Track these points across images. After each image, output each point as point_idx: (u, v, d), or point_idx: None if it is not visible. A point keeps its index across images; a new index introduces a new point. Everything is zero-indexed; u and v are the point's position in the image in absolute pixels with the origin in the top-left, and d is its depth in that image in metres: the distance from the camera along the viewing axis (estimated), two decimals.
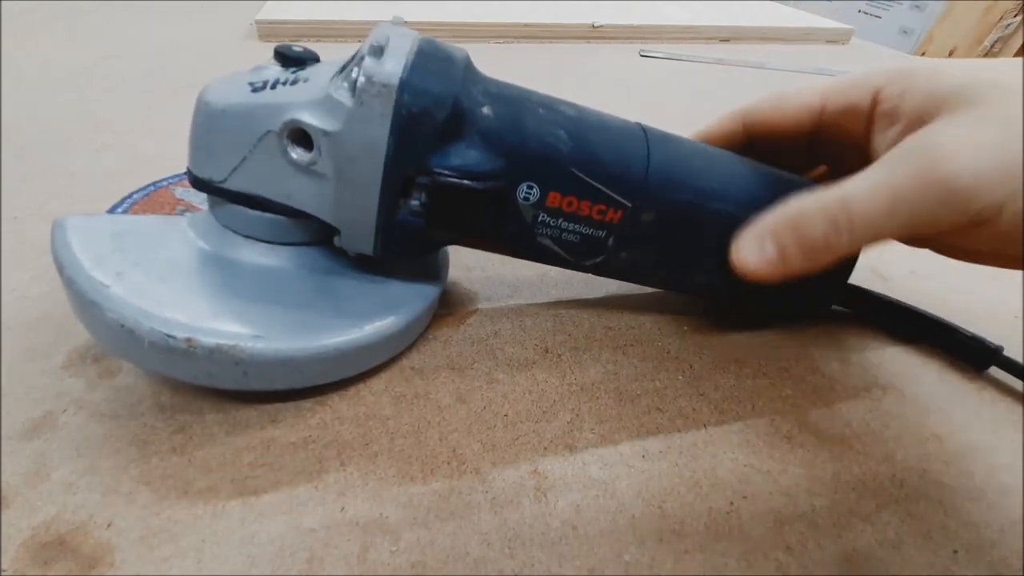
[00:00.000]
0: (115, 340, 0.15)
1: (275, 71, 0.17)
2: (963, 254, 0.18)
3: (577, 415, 0.19)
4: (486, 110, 0.17)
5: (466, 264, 0.25)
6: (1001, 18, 1.32)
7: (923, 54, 1.41)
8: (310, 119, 0.16)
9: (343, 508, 0.15)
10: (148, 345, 0.15)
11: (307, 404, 0.18)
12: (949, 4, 1.39)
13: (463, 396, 0.19)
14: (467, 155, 0.17)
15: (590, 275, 0.21)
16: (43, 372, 0.18)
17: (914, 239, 0.19)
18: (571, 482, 0.17)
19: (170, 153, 0.30)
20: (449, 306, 0.23)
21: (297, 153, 0.16)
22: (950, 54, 1.40)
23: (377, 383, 0.19)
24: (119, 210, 0.23)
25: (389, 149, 0.16)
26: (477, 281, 0.25)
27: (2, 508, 0.15)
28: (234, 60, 0.48)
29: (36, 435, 0.16)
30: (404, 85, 0.15)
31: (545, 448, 0.18)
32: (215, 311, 0.16)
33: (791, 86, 0.21)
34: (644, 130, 0.19)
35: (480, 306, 0.23)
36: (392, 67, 0.15)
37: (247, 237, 0.18)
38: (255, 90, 0.16)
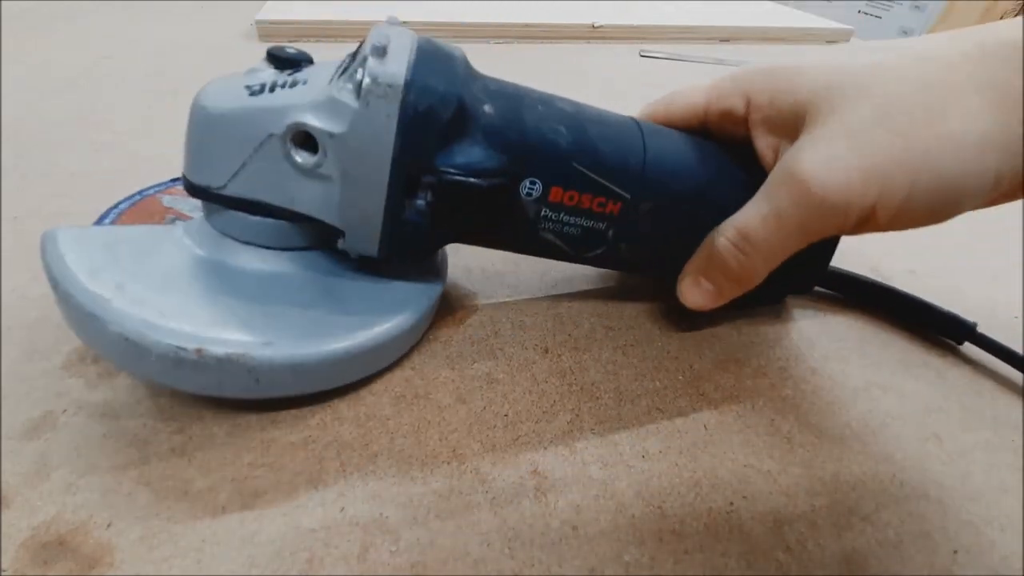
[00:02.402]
0: (120, 354, 0.15)
1: (270, 73, 0.17)
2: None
3: (577, 415, 0.19)
4: (487, 108, 0.17)
5: (466, 264, 0.25)
6: (1001, 18, 1.32)
7: None
8: (315, 121, 0.16)
9: (343, 508, 0.15)
10: (156, 358, 0.15)
11: (307, 404, 0.18)
12: (949, 4, 1.39)
13: (463, 396, 0.19)
14: (471, 153, 0.17)
15: (590, 275, 0.21)
16: (43, 372, 0.18)
17: None
18: (571, 482, 0.17)
19: (170, 154, 0.29)
20: (449, 306, 0.23)
21: (302, 156, 0.16)
22: None
23: (377, 383, 0.19)
24: (107, 221, 0.22)
25: (396, 149, 0.16)
26: (477, 281, 0.25)
27: (2, 508, 0.15)
28: (234, 60, 0.48)
29: (36, 435, 0.16)
30: (410, 85, 0.15)
31: (545, 448, 0.18)
32: (221, 319, 0.16)
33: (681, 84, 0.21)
34: (638, 124, 0.20)
35: (480, 306, 0.23)
36: (396, 67, 0.15)
37: (246, 243, 0.18)
38: (253, 94, 0.16)
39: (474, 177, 0.17)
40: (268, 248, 0.18)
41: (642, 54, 0.58)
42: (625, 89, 0.48)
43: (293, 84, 0.16)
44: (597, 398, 0.19)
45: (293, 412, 0.18)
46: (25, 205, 0.26)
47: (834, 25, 0.70)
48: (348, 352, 0.17)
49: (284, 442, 0.17)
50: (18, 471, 0.15)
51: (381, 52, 0.15)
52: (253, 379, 0.16)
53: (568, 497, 0.16)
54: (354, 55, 0.16)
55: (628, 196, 0.19)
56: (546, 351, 0.21)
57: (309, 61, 0.18)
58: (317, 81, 0.16)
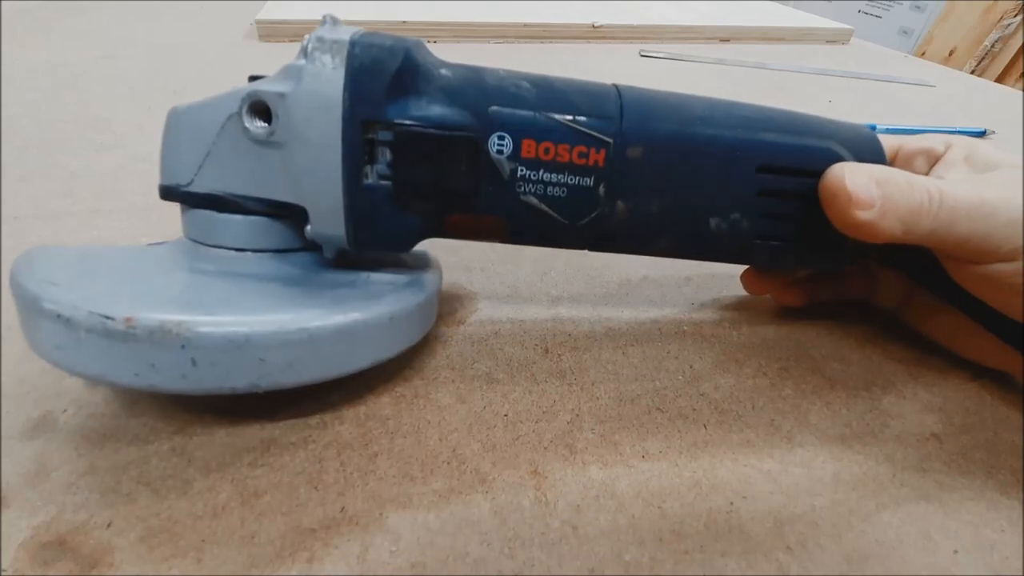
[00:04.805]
0: (52, 338, 0.14)
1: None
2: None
3: (577, 415, 0.19)
4: (444, 71, 0.17)
5: (466, 264, 0.25)
6: (1001, 18, 1.32)
7: (923, 54, 1.41)
8: (267, 87, 0.16)
9: (343, 508, 0.15)
10: (84, 335, 0.13)
11: (307, 404, 0.18)
12: (949, 4, 1.39)
13: (463, 396, 0.19)
14: (429, 108, 0.17)
15: (590, 275, 0.21)
16: (43, 372, 0.18)
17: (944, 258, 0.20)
18: (571, 482, 0.17)
19: None
20: (449, 306, 0.23)
21: (255, 125, 0.16)
22: (950, 54, 1.40)
23: (377, 383, 0.19)
24: None
25: (345, 103, 0.16)
26: (477, 281, 0.25)
27: (2, 508, 0.15)
28: (234, 60, 0.48)
29: (36, 435, 0.16)
30: (355, 41, 0.16)
31: (545, 448, 0.18)
32: (163, 298, 0.15)
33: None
34: (615, 85, 0.19)
35: (480, 306, 0.23)
36: (342, 31, 0.16)
37: (215, 247, 0.17)
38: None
39: (434, 128, 0.16)
40: (239, 251, 0.18)
41: (642, 54, 0.58)
42: None
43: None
44: (597, 398, 0.19)
45: (293, 412, 0.18)
46: (25, 205, 0.26)
47: (834, 25, 0.70)
48: (304, 332, 0.15)
49: (284, 442, 0.17)
50: (18, 471, 0.16)
51: (330, 22, 0.17)
52: (188, 359, 0.14)
53: (568, 497, 0.16)
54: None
55: (610, 140, 0.17)
56: (546, 351, 0.21)
57: None
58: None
